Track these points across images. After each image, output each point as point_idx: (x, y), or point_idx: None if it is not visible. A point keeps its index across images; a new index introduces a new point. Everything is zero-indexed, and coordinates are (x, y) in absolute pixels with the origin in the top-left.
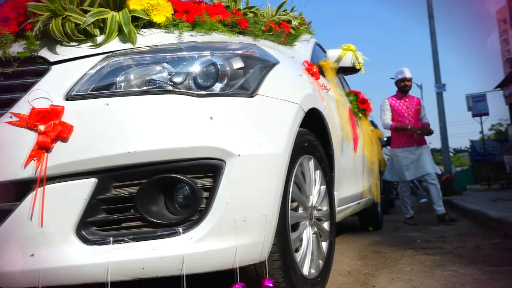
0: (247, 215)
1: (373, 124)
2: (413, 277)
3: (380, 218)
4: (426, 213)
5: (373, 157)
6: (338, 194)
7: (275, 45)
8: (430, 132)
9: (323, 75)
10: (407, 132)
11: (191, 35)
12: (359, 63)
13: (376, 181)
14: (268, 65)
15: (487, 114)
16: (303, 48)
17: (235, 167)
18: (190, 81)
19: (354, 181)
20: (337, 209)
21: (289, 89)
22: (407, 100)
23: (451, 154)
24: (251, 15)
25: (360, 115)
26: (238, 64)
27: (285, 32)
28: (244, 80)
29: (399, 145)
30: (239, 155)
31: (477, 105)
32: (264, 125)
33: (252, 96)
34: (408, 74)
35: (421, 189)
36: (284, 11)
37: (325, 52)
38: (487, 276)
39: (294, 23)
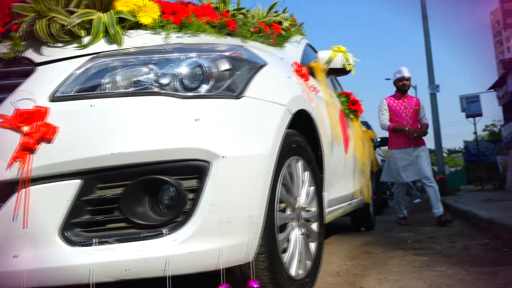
0: (232, 217)
1: (366, 125)
2: (400, 277)
3: (372, 219)
4: (419, 214)
5: (364, 158)
6: (327, 195)
7: (264, 47)
8: (425, 133)
9: (314, 76)
10: (405, 133)
11: (178, 37)
12: (349, 64)
13: (367, 182)
14: (255, 66)
15: (480, 115)
16: (293, 49)
17: (220, 168)
18: (176, 83)
19: (344, 182)
20: (327, 210)
21: (276, 90)
22: (405, 100)
23: (445, 155)
24: (240, 16)
25: (352, 116)
26: (224, 66)
27: (275, 33)
28: (231, 81)
29: (396, 146)
30: (224, 157)
31: (470, 106)
32: (250, 126)
33: (238, 98)
34: (406, 73)
35: (415, 190)
36: (275, 12)
37: (316, 53)
38: (472, 276)
39: (285, 24)
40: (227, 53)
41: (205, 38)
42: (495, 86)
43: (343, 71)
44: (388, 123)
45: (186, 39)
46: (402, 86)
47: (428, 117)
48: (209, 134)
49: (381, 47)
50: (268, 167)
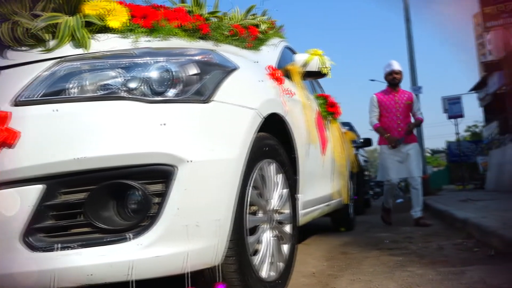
0: (199, 220)
1: (349, 125)
2: (373, 278)
3: (352, 219)
4: (400, 214)
5: (342, 159)
6: (302, 197)
7: (239, 50)
8: (412, 130)
9: (290, 79)
10: (395, 129)
11: (147, 41)
12: (325, 67)
13: (346, 184)
14: (226, 70)
15: (461, 116)
16: (270, 52)
17: (186, 173)
18: (143, 87)
19: (321, 184)
20: (302, 211)
21: (247, 94)
22: (396, 94)
23: (428, 155)
24: (214, 19)
25: (330, 118)
26: (193, 70)
27: (251, 36)
28: (199, 86)
29: (386, 142)
30: (190, 161)
31: (452, 107)
32: (218, 131)
33: (206, 102)
34: (396, 67)
35: (398, 189)
36: (253, 15)
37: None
38: (441, 276)
39: (263, 27)
40: (197, 57)
41: (176, 42)
42: (476, 88)
43: (319, 74)
44: (376, 122)
45: (156, 43)
46: (392, 80)
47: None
48: (175, 139)
49: (365, 47)
50: (235, 171)
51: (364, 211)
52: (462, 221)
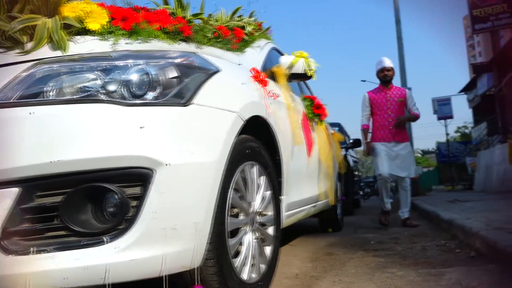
0: (177, 223)
1: (339, 126)
2: (355, 279)
3: (340, 220)
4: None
5: (329, 161)
6: (287, 199)
7: (223, 52)
8: (403, 123)
9: (276, 81)
10: (386, 127)
11: (127, 43)
12: (310, 70)
13: (332, 185)
14: (207, 73)
15: (451, 117)
16: (255, 54)
17: (164, 176)
18: (122, 90)
19: (307, 185)
20: (287, 213)
21: (228, 97)
22: (388, 92)
23: (419, 155)
24: (198, 21)
25: (316, 120)
26: (172, 73)
27: (236, 38)
28: (178, 89)
29: (376, 140)
30: (168, 164)
31: (442, 108)
32: (198, 134)
33: (186, 105)
34: (387, 63)
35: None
36: (239, 17)
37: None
38: (421, 278)
39: (248, 29)
40: (177, 60)
41: (157, 45)
42: (466, 89)
43: (305, 76)
44: (364, 122)
45: (136, 45)
46: (383, 77)
47: None
48: (153, 142)
49: (358, 48)
50: (215, 174)
51: (354, 212)
52: (447, 222)
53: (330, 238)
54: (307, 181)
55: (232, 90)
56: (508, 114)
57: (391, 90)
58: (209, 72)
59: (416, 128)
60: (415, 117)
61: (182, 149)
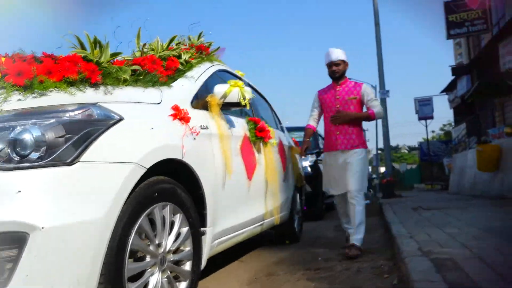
0: (55, 284)
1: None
2: None
3: (298, 231)
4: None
5: (275, 180)
6: (214, 229)
7: (141, 92)
8: (340, 118)
9: (209, 110)
10: (332, 133)
11: (19, 100)
12: (244, 99)
13: (279, 203)
14: (106, 124)
15: (431, 117)
16: (186, 86)
17: (38, 239)
18: (5, 152)
19: (248, 207)
20: (218, 240)
21: (127, 148)
22: (338, 89)
23: (405, 151)
24: (111, 62)
25: (260, 142)
26: (59, 132)
27: (168, 69)
28: (65, 148)
29: (325, 149)
30: (43, 228)
31: (423, 108)
32: (83, 192)
33: (72, 164)
34: (334, 57)
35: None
36: (177, 44)
37: (234, 75)
38: None
39: (185, 57)
40: (71, 114)
41: (55, 97)
42: (447, 90)
43: (239, 105)
44: (308, 123)
45: (29, 101)
46: (331, 73)
47: (378, 121)
48: (29, 206)
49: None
50: (101, 230)
51: (323, 216)
52: (393, 238)
53: (282, 253)
54: (247, 204)
55: (134, 139)
56: (481, 119)
57: (342, 87)
58: (109, 122)
59: (403, 125)
60: (367, 116)
61: (63, 210)
